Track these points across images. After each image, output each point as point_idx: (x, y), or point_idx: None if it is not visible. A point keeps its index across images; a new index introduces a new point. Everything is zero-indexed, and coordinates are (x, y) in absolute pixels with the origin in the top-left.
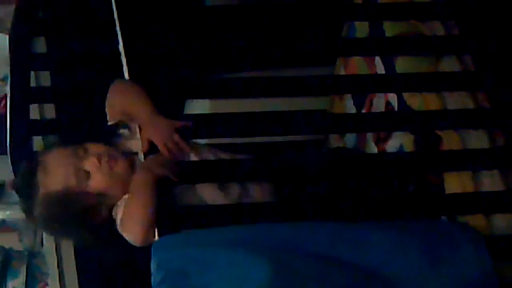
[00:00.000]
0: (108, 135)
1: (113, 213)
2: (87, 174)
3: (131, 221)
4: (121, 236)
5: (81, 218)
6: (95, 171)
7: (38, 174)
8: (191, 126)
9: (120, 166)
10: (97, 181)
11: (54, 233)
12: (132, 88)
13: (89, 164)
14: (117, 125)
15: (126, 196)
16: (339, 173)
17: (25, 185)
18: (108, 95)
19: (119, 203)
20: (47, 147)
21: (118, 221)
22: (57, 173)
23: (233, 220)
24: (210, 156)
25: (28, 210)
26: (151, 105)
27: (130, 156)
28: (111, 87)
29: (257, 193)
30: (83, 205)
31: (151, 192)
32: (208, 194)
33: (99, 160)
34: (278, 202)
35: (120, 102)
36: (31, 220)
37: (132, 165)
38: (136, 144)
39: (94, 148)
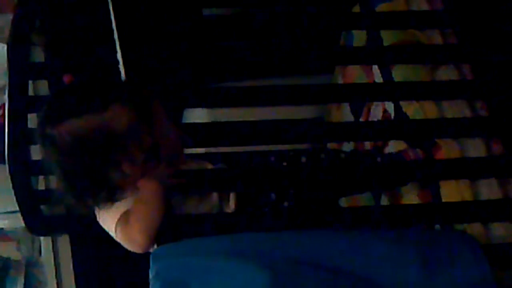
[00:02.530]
0: None
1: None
2: (140, 144)
3: (137, 227)
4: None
5: (99, 160)
6: (141, 152)
7: (116, 102)
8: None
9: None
10: (137, 156)
11: (56, 152)
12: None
13: (145, 141)
14: None
15: (118, 204)
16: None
17: (96, 96)
18: None
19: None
20: None
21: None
22: (132, 120)
23: (232, 229)
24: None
25: (67, 113)
26: (164, 111)
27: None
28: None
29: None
30: (113, 156)
31: (162, 203)
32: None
33: (151, 146)
34: (276, 211)
35: None
36: (49, 124)
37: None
38: None
39: (150, 137)
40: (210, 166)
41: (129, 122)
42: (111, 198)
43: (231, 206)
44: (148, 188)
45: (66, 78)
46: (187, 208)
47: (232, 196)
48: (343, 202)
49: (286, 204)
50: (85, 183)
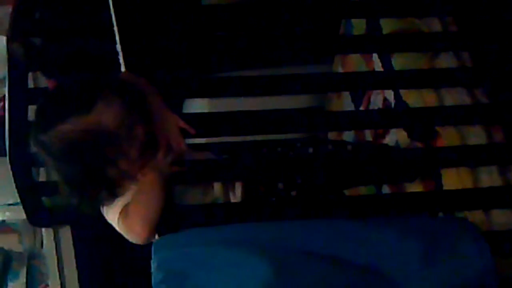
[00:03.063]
0: None
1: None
2: (132, 136)
3: (137, 218)
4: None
5: (96, 160)
6: (137, 141)
7: (98, 102)
8: (194, 133)
9: (151, 151)
10: (133, 148)
11: (53, 157)
12: (140, 78)
13: (138, 132)
14: None
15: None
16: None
17: (79, 97)
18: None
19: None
20: None
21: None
22: (118, 115)
23: (233, 219)
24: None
25: (56, 118)
26: (159, 96)
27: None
28: (121, 76)
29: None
30: (108, 154)
31: (162, 194)
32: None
33: (146, 135)
34: (278, 199)
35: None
36: (42, 131)
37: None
38: None
39: (144, 125)
40: (211, 157)
41: (117, 119)
42: (112, 194)
43: (238, 195)
44: (147, 179)
45: (50, 84)
46: (191, 198)
47: (238, 185)
48: (346, 191)
49: (293, 193)
50: (85, 185)
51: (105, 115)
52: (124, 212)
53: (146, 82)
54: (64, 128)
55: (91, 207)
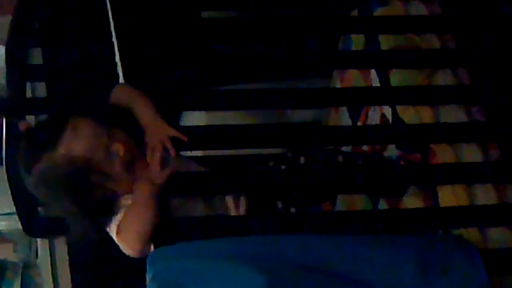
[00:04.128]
0: None
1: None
2: (110, 156)
3: (130, 231)
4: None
5: (82, 189)
6: (117, 157)
7: (65, 132)
8: (186, 140)
9: (138, 164)
10: (114, 166)
11: (44, 195)
12: (136, 91)
13: (116, 147)
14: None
15: (124, 203)
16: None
17: (46, 135)
18: (112, 94)
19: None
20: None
21: (112, 230)
22: (88, 140)
23: (228, 232)
24: (194, 168)
25: (32, 160)
26: (154, 108)
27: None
28: (115, 88)
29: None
30: (91, 178)
31: (154, 205)
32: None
33: (126, 148)
34: (272, 214)
35: (125, 103)
36: (26, 174)
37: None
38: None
39: (120, 135)
40: (202, 169)
41: (87, 144)
42: (110, 213)
43: (241, 210)
44: (139, 191)
45: (21, 126)
46: (189, 210)
47: (242, 200)
48: (341, 206)
49: (293, 210)
50: (80, 214)
51: (74, 145)
52: (119, 226)
53: (140, 93)
54: (41, 168)
55: (95, 232)
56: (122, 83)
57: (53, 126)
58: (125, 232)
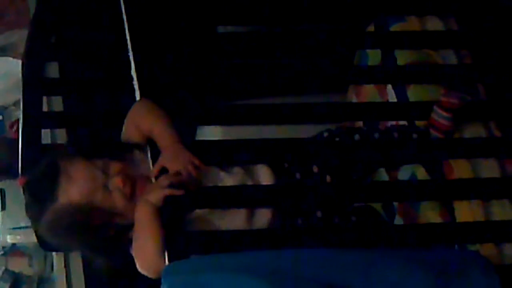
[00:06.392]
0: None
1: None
2: (110, 192)
3: (142, 258)
4: (124, 251)
5: (92, 232)
6: (117, 191)
7: (60, 181)
8: (203, 168)
9: (139, 188)
10: (116, 201)
11: (57, 241)
12: (159, 111)
13: (114, 183)
14: (128, 146)
15: None
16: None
17: (43, 188)
18: (132, 112)
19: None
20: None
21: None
22: (84, 184)
23: (245, 246)
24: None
25: (37, 213)
26: (175, 132)
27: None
28: (137, 105)
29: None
30: (98, 220)
31: (154, 224)
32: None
33: (124, 181)
34: (288, 226)
35: (147, 121)
36: (35, 225)
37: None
38: (146, 169)
39: (115, 166)
40: (222, 173)
41: (84, 188)
42: (124, 242)
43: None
44: (137, 215)
45: (19, 182)
46: (212, 223)
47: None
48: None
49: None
50: (93, 253)
51: (71, 192)
52: (133, 253)
53: (161, 114)
54: (47, 220)
55: (117, 262)
56: (143, 100)
57: (48, 177)
58: (138, 260)
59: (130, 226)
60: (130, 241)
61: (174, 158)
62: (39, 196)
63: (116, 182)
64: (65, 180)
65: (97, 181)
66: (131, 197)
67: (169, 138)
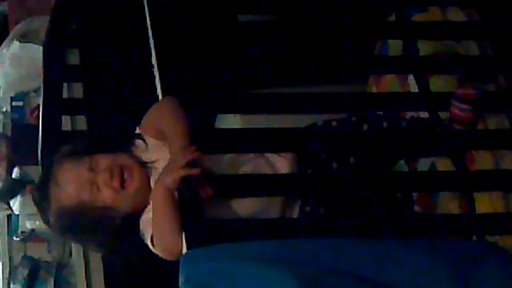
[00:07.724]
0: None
1: (141, 227)
2: (98, 188)
3: (163, 240)
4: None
5: (94, 228)
6: (106, 187)
7: (50, 187)
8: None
9: (134, 179)
10: (107, 196)
11: (69, 240)
12: (179, 112)
13: (101, 179)
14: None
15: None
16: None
17: (39, 197)
18: (154, 109)
19: (143, 218)
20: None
21: (147, 240)
22: (69, 187)
23: (263, 234)
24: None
25: (44, 219)
26: (185, 139)
27: (145, 166)
28: (161, 103)
29: None
30: (95, 216)
31: (172, 206)
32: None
33: (111, 176)
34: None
35: (163, 123)
36: (49, 227)
37: (147, 176)
38: (149, 156)
39: (104, 161)
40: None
41: (71, 190)
42: (134, 232)
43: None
44: (154, 199)
45: (28, 189)
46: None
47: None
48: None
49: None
50: (103, 247)
51: (60, 196)
52: (152, 239)
53: (179, 120)
54: (52, 224)
55: (131, 249)
56: (168, 98)
57: (42, 185)
58: (159, 243)
59: (134, 214)
60: (138, 229)
61: (170, 171)
62: (38, 204)
63: (103, 178)
64: (53, 185)
65: (84, 180)
66: (122, 188)
67: (174, 149)
